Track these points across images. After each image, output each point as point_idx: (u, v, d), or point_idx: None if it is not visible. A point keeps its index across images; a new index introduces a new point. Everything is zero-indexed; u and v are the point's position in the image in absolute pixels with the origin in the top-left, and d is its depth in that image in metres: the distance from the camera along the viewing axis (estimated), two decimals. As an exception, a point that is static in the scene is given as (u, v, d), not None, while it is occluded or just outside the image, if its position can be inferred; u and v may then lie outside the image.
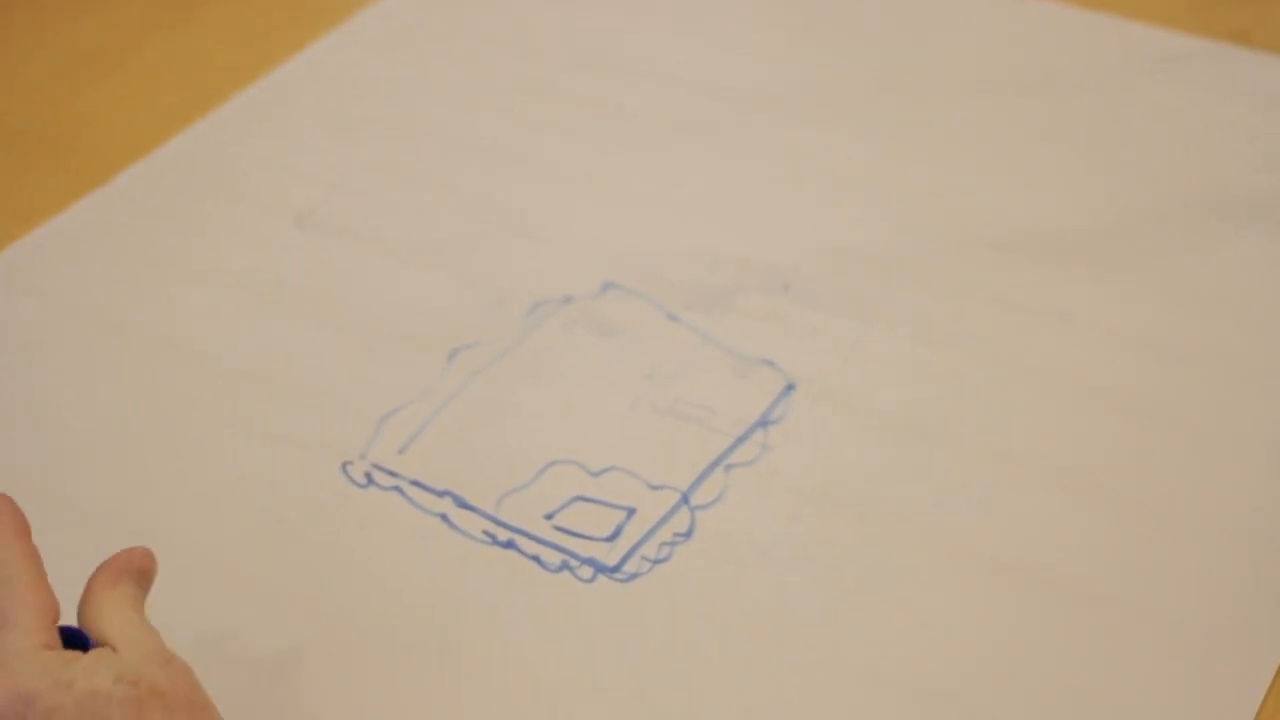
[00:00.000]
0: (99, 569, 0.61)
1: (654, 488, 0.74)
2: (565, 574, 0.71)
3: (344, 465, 0.75)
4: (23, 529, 0.60)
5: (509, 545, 0.72)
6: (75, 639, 0.58)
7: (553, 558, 0.71)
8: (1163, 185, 0.92)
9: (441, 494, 0.74)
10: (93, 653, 0.57)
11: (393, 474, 0.74)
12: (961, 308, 0.84)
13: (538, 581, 0.70)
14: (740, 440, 0.76)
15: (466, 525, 0.72)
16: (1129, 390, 0.79)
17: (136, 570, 0.61)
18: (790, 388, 0.79)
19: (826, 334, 0.82)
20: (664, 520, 0.73)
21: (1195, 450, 0.76)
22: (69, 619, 0.59)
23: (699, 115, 0.97)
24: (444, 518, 0.73)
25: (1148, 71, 1.01)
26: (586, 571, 0.71)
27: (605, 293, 0.84)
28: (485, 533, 0.72)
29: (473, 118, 0.97)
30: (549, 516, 0.73)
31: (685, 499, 0.74)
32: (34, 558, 0.59)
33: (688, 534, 0.72)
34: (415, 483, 0.74)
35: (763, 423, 0.77)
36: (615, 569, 0.71)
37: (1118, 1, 1.06)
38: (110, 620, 0.58)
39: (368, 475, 0.74)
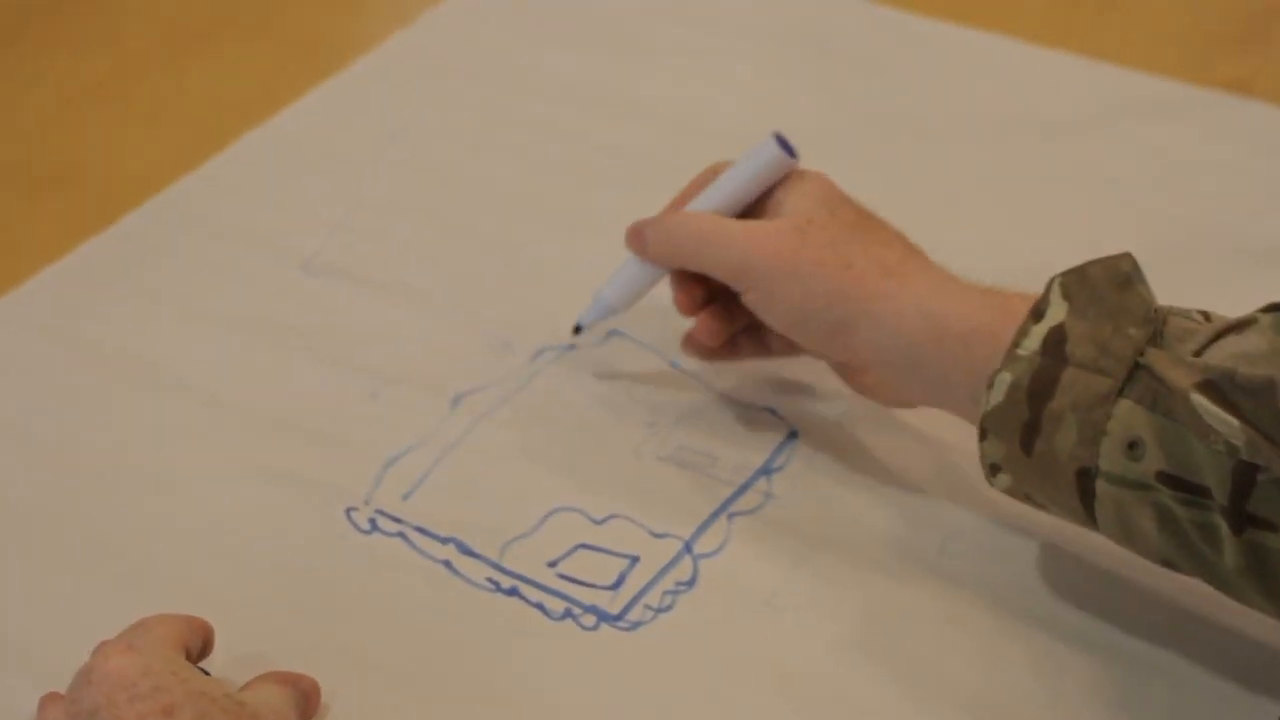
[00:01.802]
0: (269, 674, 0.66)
1: (656, 536, 0.74)
2: (568, 622, 0.71)
3: (348, 511, 0.75)
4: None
5: (512, 592, 0.72)
6: None
7: (556, 605, 0.71)
8: (1160, 229, 0.93)
9: (445, 540, 0.74)
10: (216, 677, 0.63)
11: (397, 520, 0.75)
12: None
13: (541, 629, 0.71)
14: (743, 488, 0.77)
15: (470, 572, 0.73)
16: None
17: (300, 691, 0.65)
18: (793, 435, 0.79)
19: (827, 380, 0.82)
20: (667, 569, 0.73)
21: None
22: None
23: (705, 157, 0.97)
24: (448, 564, 0.73)
25: (1147, 118, 1.02)
26: (590, 620, 0.71)
27: (609, 339, 0.84)
28: (489, 580, 0.72)
29: (477, 160, 0.97)
30: (552, 564, 0.73)
31: (688, 548, 0.74)
32: (188, 618, 0.65)
33: (690, 583, 0.73)
34: (419, 529, 0.74)
35: (765, 470, 0.78)
36: (618, 617, 0.71)
37: (1119, 51, 1.06)
38: (256, 689, 0.64)
39: (372, 521, 0.75)
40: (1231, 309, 0.87)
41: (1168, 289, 0.88)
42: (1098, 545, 0.74)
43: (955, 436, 0.79)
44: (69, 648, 0.64)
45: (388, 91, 1.03)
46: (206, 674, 0.63)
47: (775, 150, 0.76)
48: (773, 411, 0.80)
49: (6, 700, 0.66)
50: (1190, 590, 0.70)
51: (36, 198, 0.95)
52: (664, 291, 0.87)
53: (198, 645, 0.65)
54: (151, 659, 0.60)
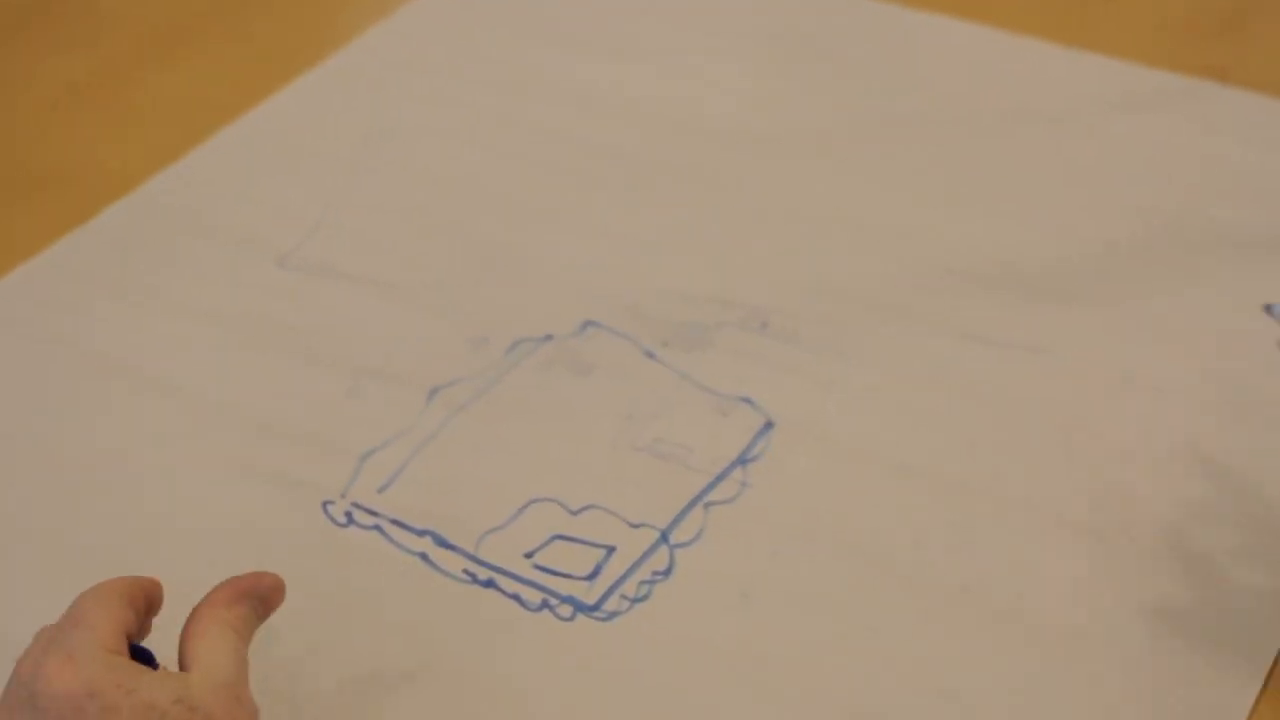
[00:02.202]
0: (222, 585, 0.62)
1: (633, 526, 0.74)
2: (545, 613, 0.71)
3: (325, 504, 0.75)
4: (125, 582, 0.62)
5: (489, 584, 0.72)
6: (140, 656, 0.59)
7: (533, 596, 0.71)
8: (1142, 220, 0.93)
9: (422, 533, 0.74)
10: (161, 672, 0.58)
11: (373, 513, 0.75)
12: (940, 344, 0.84)
13: (518, 620, 0.70)
14: (719, 478, 0.77)
15: (447, 564, 0.73)
16: (1110, 426, 0.80)
17: (259, 596, 0.63)
18: (769, 426, 0.79)
19: (805, 371, 0.82)
20: (643, 559, 0.73)
21: (1174, 488, 0.77)
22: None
23: (680, 152, 0.97)
24: (424, 557, 0.73)
25: (1127, 106, 1.02)
26: (566, 610, 0.71)
27: (585, 331, 0.84)
28: (465, 571, 0.72)
29: (455, 156, 0.97)
30: (529, 555, 0.73)
31: (664, 537, 0.74)
32: (128, 587, 0.61)
33: (667, 572, 0.73)
34: (395, 521, 0.74)
35: (741, 461, 0.78)
36: (595, 608, 0.71)
37: (1097, 39, 1.06)
38: (201, 639, 0.60)
39: (348, 514, 0.75)
40: (1215, 299, 0.88)
41: (1150, 279, 0.89)
42: (1075, 539, 0.74)
43: (931, 430, 0.79)
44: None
45: (366, 87, 1.03)
46: (152, 663, 0.60)
47: None
48: (749, 402, 0.80)
49: None
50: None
51: (18, 198, 0.95)
52: (639, 284, 0.87)
53: (141, 613, 0.62)
54: (94, 671, 0.56)
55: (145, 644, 0.61)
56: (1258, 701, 0.68)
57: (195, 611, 0.61)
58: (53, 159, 0.98)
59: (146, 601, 0.62)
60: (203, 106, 1.01)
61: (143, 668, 0.58)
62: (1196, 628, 0.70)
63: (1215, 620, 0.71)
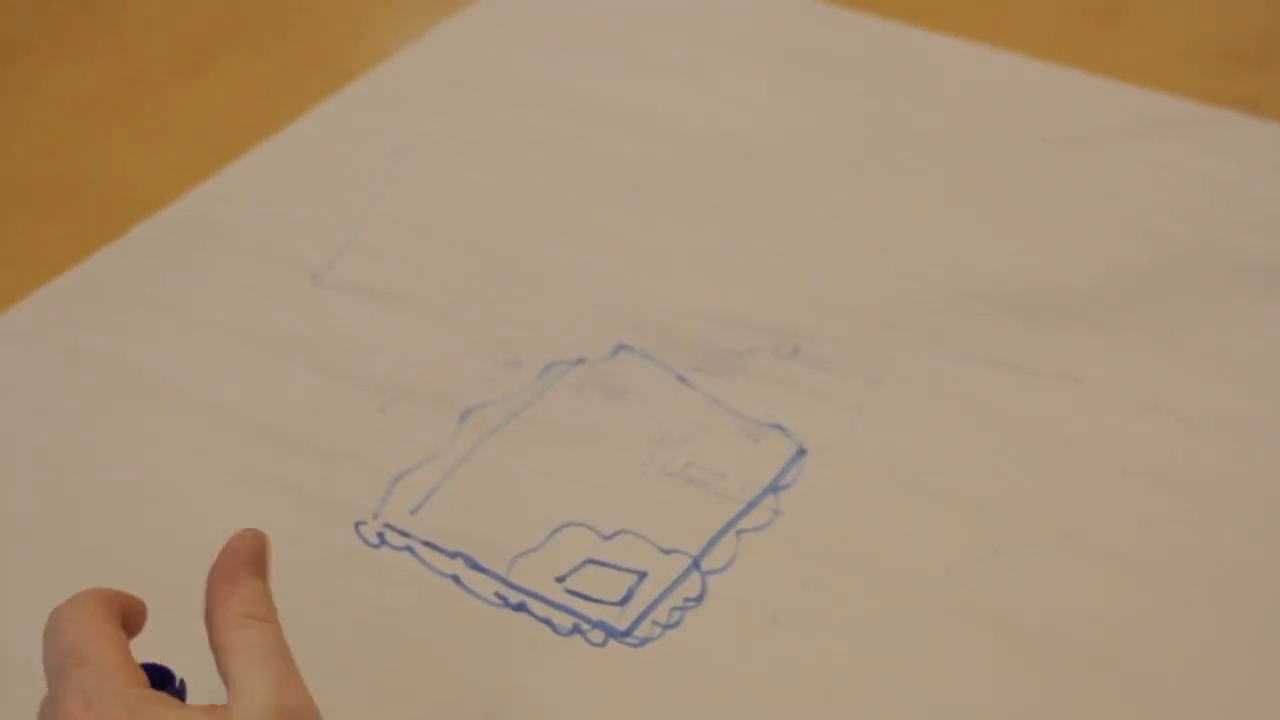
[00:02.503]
0: (212, 576, 0.58)
1: (665, 552, 0.74)
2: (576, 637, 0.71)
3: (357, 525, 0.75)
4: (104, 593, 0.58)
5: (520, 608, 0.72)
6: (158, 676, 0.56)
7: (564, 621, 0.71)
8: (1169, 248, 0.93)
9: (453, 555, 0.74)
10: (196, 708, 0.54)
11: (405, 534, 0.75)
12: (971, 369, 0.84)
13: (549, 645, 0.71)
14: (751, 505, 0.77)
15: (478, 587, 0.73)
16: (1140, 454, 0.80)
17: (250, 561, 0.59)
18: (801, 453, 0.79)
19: (837, 397, 0.82)
20: (675, 585, 0.73)
21: (1207, 515, 0.77)
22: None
23: (712, 172, 0.98)
24: (456, 579, 0.73)
25: (1155, 135, 1.02)
26: (598, 635, 0.71)
27: (617, 354, 0.84)
28: (497, 595, 0.72)
29: (487, 175, 0.97)
30: (560, 579, 0.73)
31: (696, 564, 0.74)
32: (108, 601, 0.57)
33: (699, 599, 0.73)
34: (427, 543, 0.74)
35: (774, 488, 0.78)
36: (626, 633, 0.71)
37: (1127, 68, 1.06)
38: (231, 654, 0.55)
39: (380, 535, 0.75)
40: (1238, 331, 0.88)
41: (1174, 310, 0.89)
42: (1109, 566, 0.74)
43: (962, 456, 0.79)
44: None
45: (397, 106, 1.03)
46: (172, 682, 0.57)
47: None
48: (781, 429, 0.80)
49: (7, 711, 0.66)
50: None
51: (45, 212, 0.95)
52: (671, 306, 0.87)
53: (134, 633, 0.58)
54: (114, 716, 0.52)
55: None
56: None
57: (208, 619, 0.57)
58: (79, 174, 0.98)
59: (136, 620, 0.59)
60: (234, 123, 1.01)
61: (171, 701, 0.54)
62: (1229, 657, 0.70)
63: (1249, 651, 0.71)
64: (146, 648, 0.66)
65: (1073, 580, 0.74)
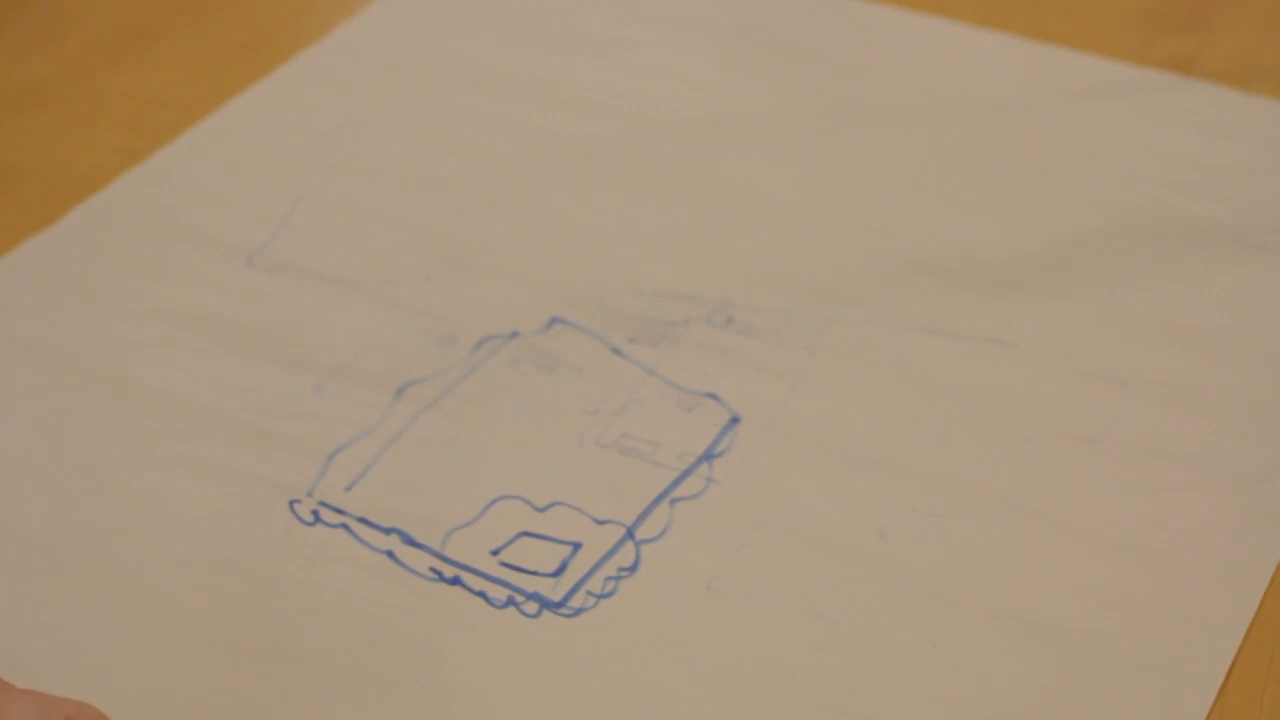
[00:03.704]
0: None
1: (599, 522, 0.75)
2: (511, 609, 0.71)
3: (291, 503, 0.75)
4: None
5: (455, 581, 0.72)
6: None
7: (499, 593, 0.72)
8: (1105, 212, 0.93)
9: (388, 531, 0.74)
10: None
11: (340, 511, 0.75)
12: (905, 336, 0.84)
13: (484, 617, 0.71)
14: (685, 474, 0.77)
15: (413, 562, 0.73)
16: (1075, 417, 0.80)
17: None
18: (735, 421, 0.79)
19: (770, 366, 0.82)
20: (609, 555, 0.73)
21: (1140, 478, 0.77)
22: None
23: (644, 149, 0.98)
24: (391, 555, 0.73)
25: (1091, 100, 1.02)
26: (532, 607, 0.71)
27: (551, 327, 0.84)
28: (432, 569, 0.72)
29: (420, 154, 0.97)
30: (495, 552, 0.73)
31: (630, 533, 0.74)
32: None
33: (633, 568, 0.73)
34: (362, 520, 0.74)
35: (707, 456, 0.78)
36: (561, 604, 0.71)
37: (1062, 32, 1.07)
38: None
39: (315, 513, 0.75)
40: (1174, 294, 0.88)
41: (1109, 273, 0.89)
42: (1037, 529, 0.75)
43: (896, 423, 0.80)
44: (15, 649, 0.65)
45: (332, 85, 1.03)
46: None
47: None
48: (715, 398, 0.81)
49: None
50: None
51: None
52: (606, 280, 0.87)
53: None
54: None
55: None
56: (1221, 692, 0.68)
57: None
58: (18, 159, 0.98)
59: None
60: (169, 106, 1.01)
61: None
62: (1163, 615, 0.71)
63: (1181, 608, 0.71)
64: (65, 630, 0.67)
65: (1007, 543, 0.74)
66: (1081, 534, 0.74)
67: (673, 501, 0.76)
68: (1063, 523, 0.75)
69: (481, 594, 0.71)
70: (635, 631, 0.70)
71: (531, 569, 0.72)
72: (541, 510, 0.75)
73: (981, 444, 0.79)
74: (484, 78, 1.03)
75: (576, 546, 0.73)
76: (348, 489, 0.76)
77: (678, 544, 0.74)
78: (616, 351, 0.83)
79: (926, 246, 0.91)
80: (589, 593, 0.72)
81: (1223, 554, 0.74)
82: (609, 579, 0.72)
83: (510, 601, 0.71)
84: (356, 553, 0.73)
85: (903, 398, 0.81)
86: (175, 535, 0.74)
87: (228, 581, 0.72)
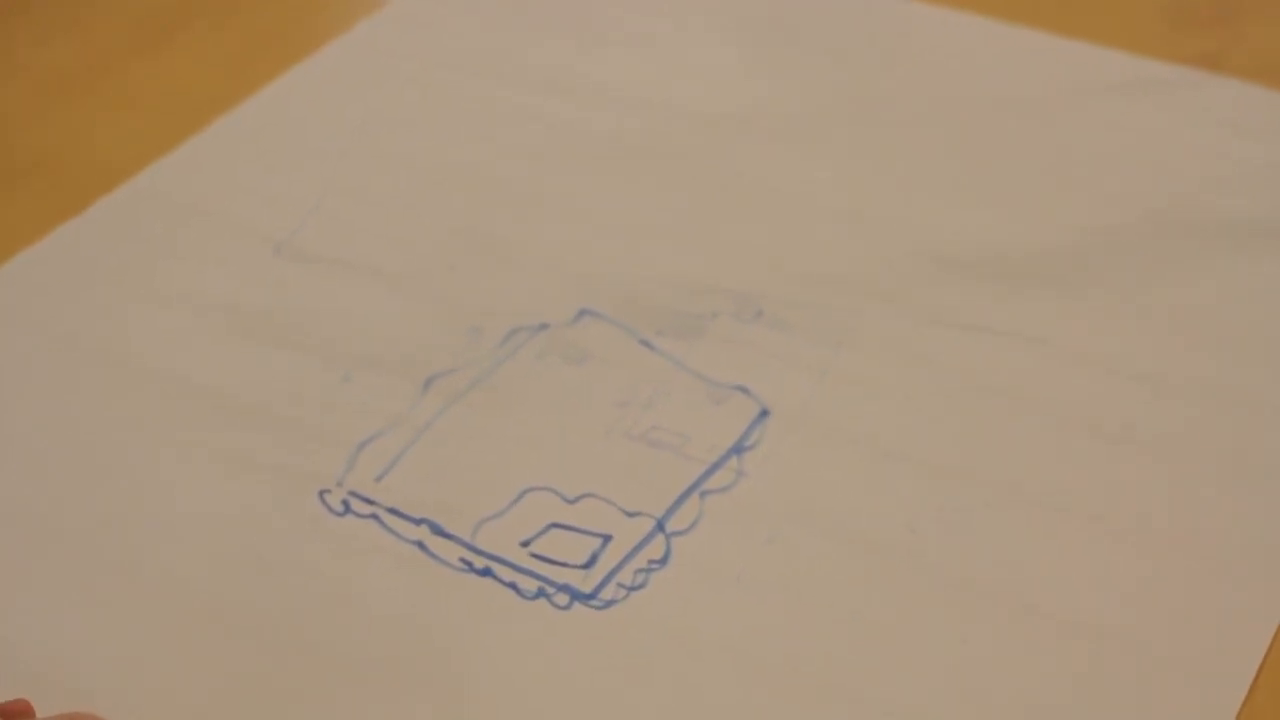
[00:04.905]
0: None
1: (629, 515, 0.74)
2: (541, 601, 0.71)
3: (321, 493, 0.75)
4: None
5: (485, 573, 0.72)
6: None
7: (529, 585, 0.72)
8: (1133, 208, 0.93)
9: (418, 521, 0.74)
10: None
11: (370, 501, 0.75)
12: (935, 331, 0.84)
13: (514, 609, 0.71)
14: (714, 467, 0.77)
15: (443, 552, 0.73)
16: (1102, 413, 0.80)
17: None
18: (764, 414, 0.79)
19: (800, 359, 0.82)
20: (639, 547, 0.73)
21: (1174, 475, 0.77)
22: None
23: (671, 142, 0.98)
24: (421, 545, 0.73)
25: (1118, 96, 1.02)
26: (563, 599, 0.71)
27: (580, 319, 0.84)
28: (462, 560, 0.72)
29: (449, 144, 0.97)
30: (525, 543, 0.73)
31: (660, 526, 0.74)
32: None
33: (663, 561, 0.73)
34: (392, 510, 0.74)
35: (737, 449, 0.78)
36: (591, 596, 0.71)
37: (1088, 27, 1.07)
38: None
39: (345, 503, 0.75)
40: (1203, 290, 0.88)
41: (1138, 270, 0.89)
42: (1074, 527, 0.75)
43: (926, 418, 0.80)
44: (45, 642, 0.65)
45: (360, 76, 1.03)
46: None
47: None
48: (744, 390, 0.81)
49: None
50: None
51: (7, 188, 0.95)
52: (634, 272, 0.87)
53: None
54: None
55: None
56: (1251, 690, 0.68)
57: None
58: (44, 148, 0.98)
59: None
60: (196, 96, 1.01)
61: None
62: (1193, 612, 0.71)
63: (1212, 604, 0.71)
64: (94, 623, 0.67)
65: (1038, 541, 0.74)
66: (1112, 530, 0.74)
67: (703, 494, 0.76)
68: (1093, 518, 0.75)
69: (512, 585, 0.71)
70: (666, 624, 0.70)
71: (562, 560, 0.72)
72: (571, 502, 0.75)
73: (1011, 439, 0.79)
74: (510, 69, 1.03)
75: (607, 538, 0.73)
76: (377, 479, 0.76)
77: (707, 537, 0.74)
78: (645, 344, 0.83)
79: (954, 241, 0.90)
80: (620, 585, 0.72)
81: (1253, 551, 0.74)
82: (639, 571, 0.72)
83: (541, 593, 0.71)
84: (386, 543, 0.73)
85: (932, 392, 0.81)
86: (203, 526, 0.74)
87: (257, 572, 0.72)
